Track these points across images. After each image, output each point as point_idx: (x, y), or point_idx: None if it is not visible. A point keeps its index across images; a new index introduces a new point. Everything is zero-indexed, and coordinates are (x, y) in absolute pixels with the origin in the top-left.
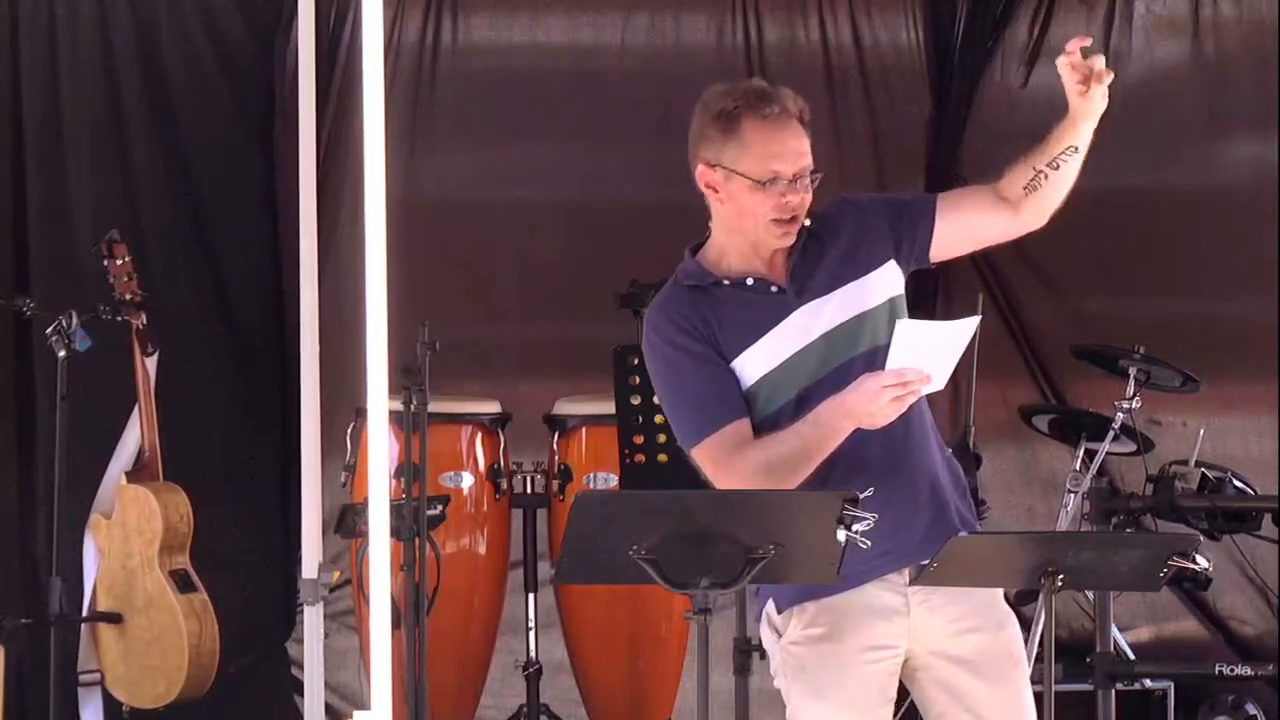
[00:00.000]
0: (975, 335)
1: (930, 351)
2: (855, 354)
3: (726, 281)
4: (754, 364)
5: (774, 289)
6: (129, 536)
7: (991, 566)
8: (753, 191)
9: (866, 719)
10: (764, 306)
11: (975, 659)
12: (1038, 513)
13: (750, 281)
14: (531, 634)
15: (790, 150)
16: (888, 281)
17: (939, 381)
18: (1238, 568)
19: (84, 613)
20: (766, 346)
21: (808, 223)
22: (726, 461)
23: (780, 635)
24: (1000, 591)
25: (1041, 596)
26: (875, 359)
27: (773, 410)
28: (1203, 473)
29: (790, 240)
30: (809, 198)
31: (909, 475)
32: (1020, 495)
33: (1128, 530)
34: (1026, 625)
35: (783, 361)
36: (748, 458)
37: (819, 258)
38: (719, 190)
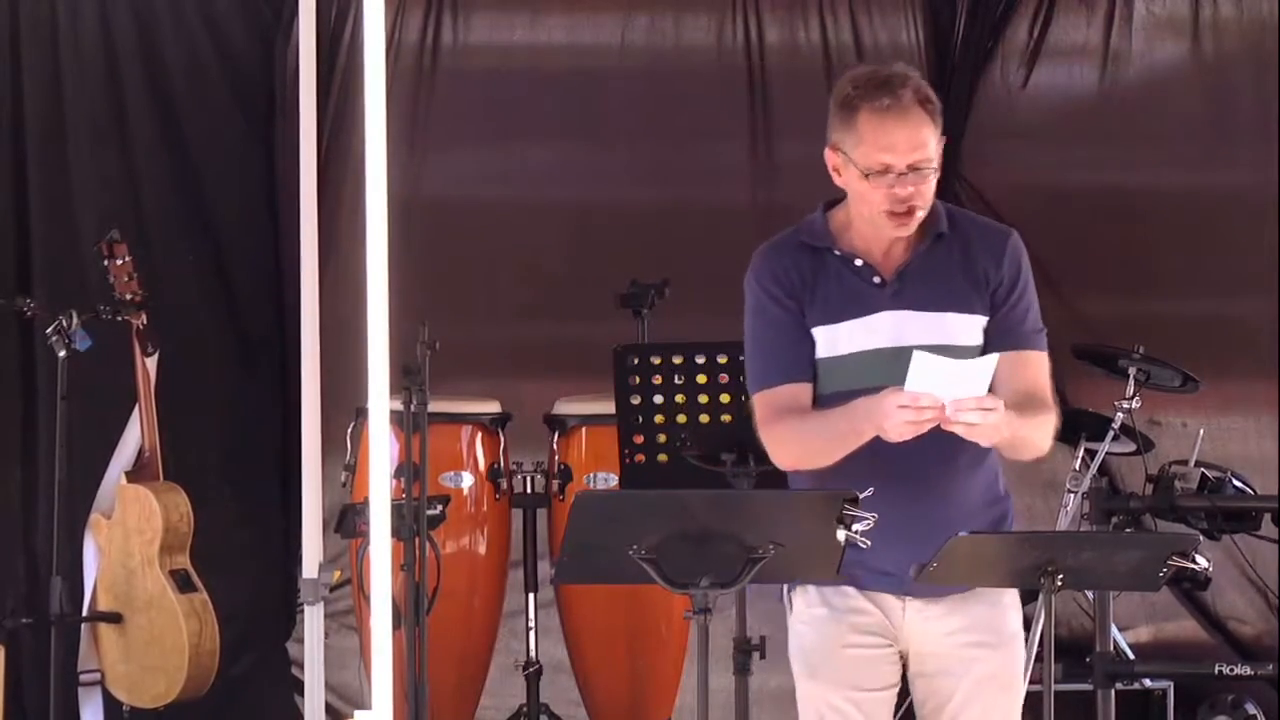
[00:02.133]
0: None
1: (945, 387)
2: None
3: (838, 253)
4: (826, 343)
5: (876, 280)
6: (129, 536)
7: (991, 566)
8: (863, 181)
9: (858, 701)
10: (860, 293)
11: (964, 673)
12: (1037, 512)
13: (859, 263)
14: (531, 634)
15: (900, 142)
16: (977, 330)
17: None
18: (1238, 568)
19: (84, 612)
20: (844, 331)
21: (943, 232)
22: (772, 419)
23: (790, 613)
24: (1010, 612)
25: (1041, 596)
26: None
27: (822, 393)
28: (1202, 473)
29: (905, 232)
30: (925, 189)
31: (930, 504)
32: (1019, 495)
33: (1127, 530)
34: (1027, 625)
35: (852, 354)
36: (788, 424)
37: (937, 270)
38: (840, 173)
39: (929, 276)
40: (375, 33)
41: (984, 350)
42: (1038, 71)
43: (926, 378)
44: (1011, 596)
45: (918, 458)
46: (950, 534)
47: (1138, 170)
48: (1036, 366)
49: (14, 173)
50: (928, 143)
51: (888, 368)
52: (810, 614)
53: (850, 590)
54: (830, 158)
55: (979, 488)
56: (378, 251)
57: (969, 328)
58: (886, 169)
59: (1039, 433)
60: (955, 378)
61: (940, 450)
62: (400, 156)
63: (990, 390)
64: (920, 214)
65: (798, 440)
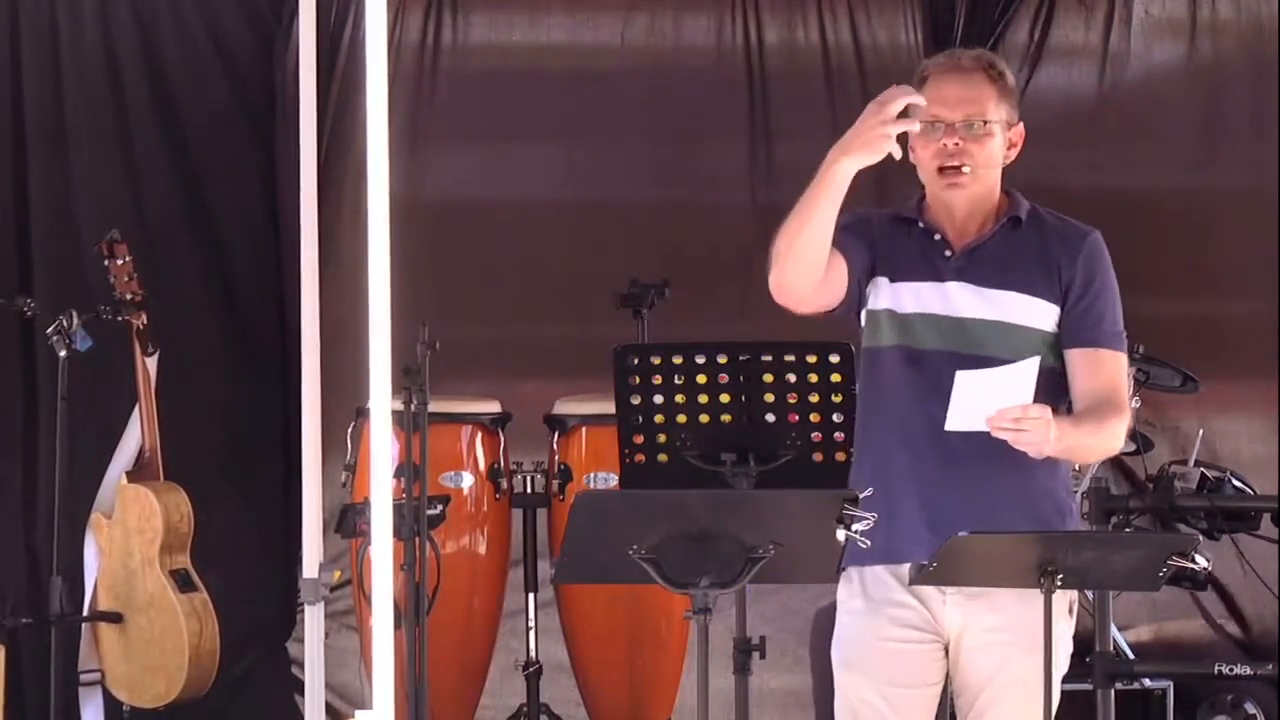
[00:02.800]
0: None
1: (991, 399)
2: (972, 355)
3: (921, 224)
4: (885, 296)
5: (947, 253)
6: (129, 536)
7: (991, 566)
8: (919, 139)
9: (892, 694)
10: (929, 260)
11: (995, 672)
12: None
13: (936, 236)
14: (531, 634)
15: (952, 96)
16: (1043, 315)
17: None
18: (1237, 568)
19: (84, 612)
20: (910, 290)
21: (1020, 217)
22: None
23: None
24: (1063, 624)
25: (1041, 596)
26: (987, 364)
27: (875, 344)
28: (1202, 472)
29: (956, 191)
30: (977, 149)
31: (978, 501)
32: None
33: (1127, 530)
34: None
35: (914, 314)
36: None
37: (1008, 252)
38: (916, 150)
39: (997, 257)
40: (376, 33)
41: (1056, 341)
42: (1037, 72)
43: (970, 395)
44: (1059, 604)
45: (979, 442)
46: (1005, 522)
47: (1137, 170)
48: (1112, 366)
49: (14, 173)
50: (983, 101)
51: (946, 334)
52: (850, 605)
53: (892, 582)
54: (913, 138)
55: (1034, 479)
56: (378, 251)
57: (1032, 310)
58: (936, 119)
59: (1102, 438)
60: (998, 387)
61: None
62: (400, 156)
63: (1063, 389)
64: (972, 174)
65: (783, 228)
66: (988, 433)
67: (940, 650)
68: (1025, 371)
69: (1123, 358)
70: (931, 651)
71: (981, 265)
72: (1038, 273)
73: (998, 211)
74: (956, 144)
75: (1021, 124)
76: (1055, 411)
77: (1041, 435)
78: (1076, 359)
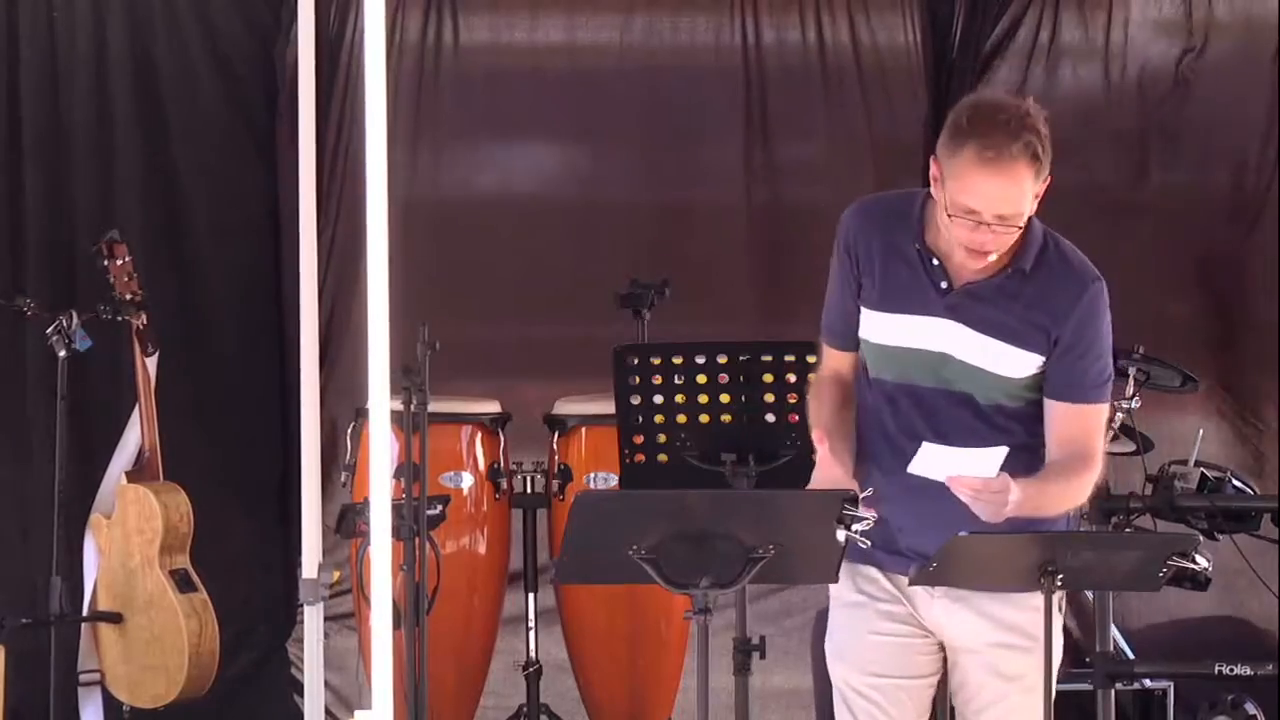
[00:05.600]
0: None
1: (955, 472)
2: (953, 390)
3: (918, 246)
4: (872, 327)
5: (944, 285)
6: (129, 536)
7: (991, 566)
8: (946, 213)
9: (882, 688)
10: (922, 291)
11: (991, 671)
12: None
13: (935, 262)
14: (531, 634)
15: (991, 196)
16: (1027, 365)
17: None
18: (1237, 568)
19: (84, 612)
20: (897, 323)
21: (1025, 269)
22: (820, 373)
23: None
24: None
25: (1042, 596)
26: (965, 405)
27: (874, 377)
28: (1202, 472)
29: (975, 267)
30: (1007, 240)
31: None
32: None
33: (1127, 530)
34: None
35: (900, 347)
36: (816, 393)
37: (1003, 300)
38: (935, 186)
39: (993, 302)
40: (375, 33)
41: (1041, 388)
42: (1036, 71)
43: (932, 464)
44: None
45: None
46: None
47: (1137, 170)
48: (1091, 420)
49: (13, 173)
50: (1021, 199)
51: (933, 370)
52: (843, 598)
53: (883, 580)
54: (933, 167)
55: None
56: (378, 251)
57: (1018, 362)
58: (971, 213)
59: (1069, 495)
60: (962, 465)
61: (982, 439)
62: (400, 156)
63: (1040, 419)
64: (994, 258)
65: (812, 413)
66: (973, 440)
67: (933, 645)
68: (991, 458)
69: (1104, 408)
70: (921, 646)
71: (976, 308)
72: (1029, 327)
73: (1007, 252)
74: (987, 239)
75: (1050, 177)
76: (1029, 446)
77: (997, 507)
78: (1056, 409)
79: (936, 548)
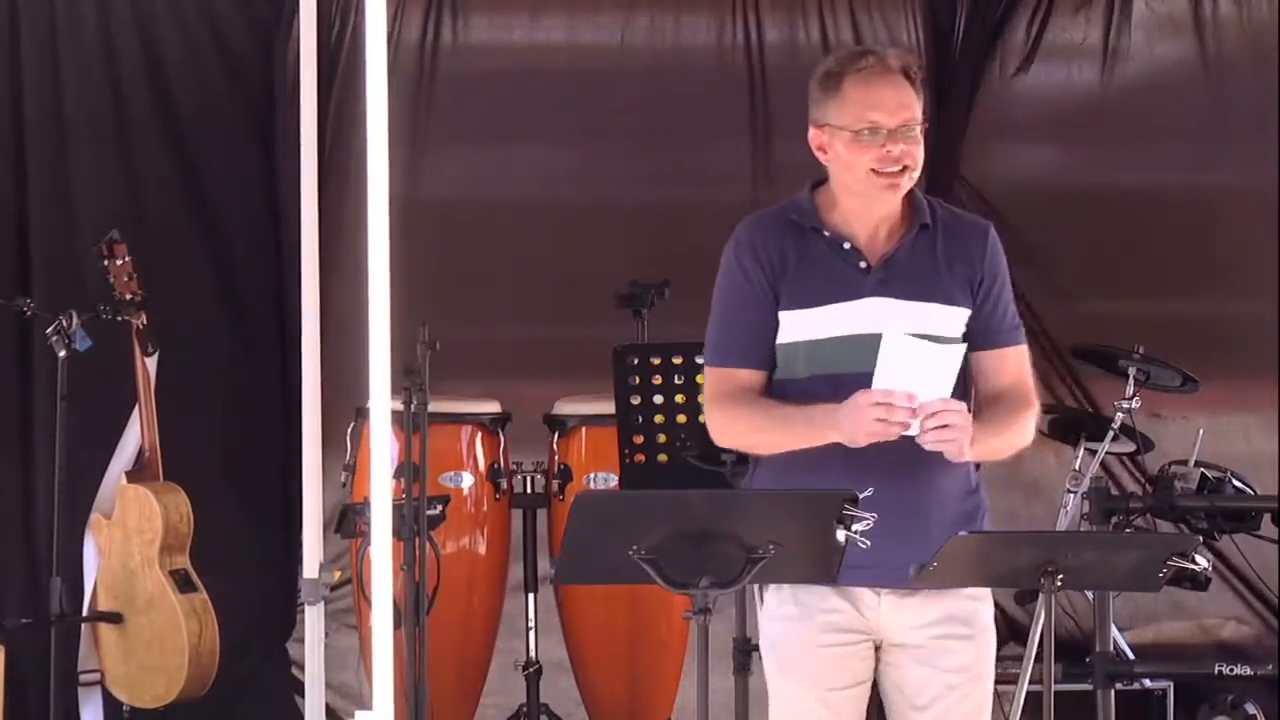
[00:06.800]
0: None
1: (917, 372)
2: None
3: (827, 233)
4: (802, 326)
5: (863, 265)
6: (129, 536)
7: (991, 566)
8: (852, 144)
9: (830, 698)
10: (845, 277)
11: (938, 664)
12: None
13: (847, 246)
14: (531, 634)
15: (889, 101)
16: (959, 322)
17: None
18: (1238, 568)
19: (84, 612)
20: (826, 315)
21: (926, 223)
22: (722, 399)
23: (761, 608)
24: (983, 605)
25: (1041, 596)
26: None
27: (790, 377)
28: (1202, 473)
29: (896, 193)
30: (915, 150)
31: (908, 494)
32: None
33: (1127, 530)
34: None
35: (833, 338)
36: (740, 409)
37: (922, 260)
38: (826, 151)
39: (914, 266)
40: (376, 32)
41: (968, 345)
42: (1038, 70)
43: (896, 359)
44: (985, 590)
45: (893, 447)
46: (928, 524)
47: (1138, 169)
48: (1017, 361)
49: (14, 172)
50: (913, 105)
51: (870, 354)
52: (781, 612)
53: (821, 588)
54: (815, 137)
55: (956, 478)
56: (378, 251)
57: (951, 319)
58: (876, 126)
59: (1013, 435)
60: (924, 362)
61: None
62: (400, 156)
63: (973, 387)
64: (912, 175)
65: (748, 428)
66: (896, 460)
67: (869, 649)
68: (952, 355)
69: (1025, 349)
70: (860, 651)
71: (900, 275)
72: (951, 278)
73: (904, 216)
74: (901, 149)
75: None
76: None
77: (964, 432)
78: (985, 361)
79: (884, 555)
